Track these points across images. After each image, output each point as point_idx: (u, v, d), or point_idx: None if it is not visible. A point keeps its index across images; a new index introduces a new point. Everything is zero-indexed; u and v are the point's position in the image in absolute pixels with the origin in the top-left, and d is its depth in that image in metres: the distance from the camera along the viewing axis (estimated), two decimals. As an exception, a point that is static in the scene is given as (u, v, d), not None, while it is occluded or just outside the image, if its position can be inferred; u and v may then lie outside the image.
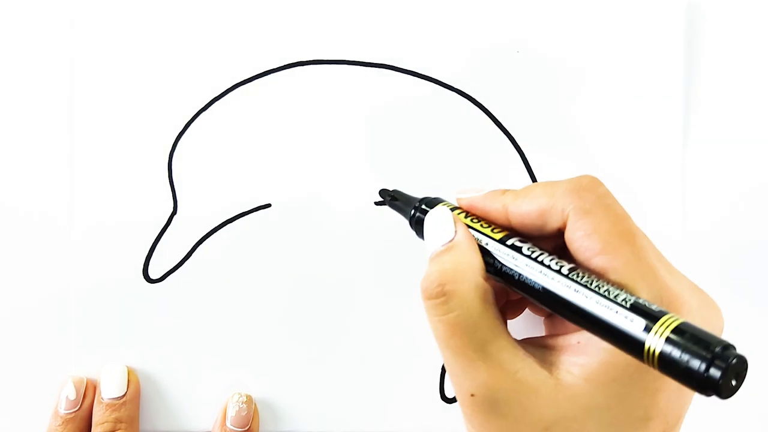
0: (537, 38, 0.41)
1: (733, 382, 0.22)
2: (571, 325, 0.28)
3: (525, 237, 0.29)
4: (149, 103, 0.41)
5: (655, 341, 0.22)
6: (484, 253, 0.29)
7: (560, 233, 0.28)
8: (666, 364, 0.22)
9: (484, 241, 0.29)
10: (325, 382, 0.42)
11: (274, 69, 0.41)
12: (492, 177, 0.42)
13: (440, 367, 0.42)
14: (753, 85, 0.42)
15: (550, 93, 0.42)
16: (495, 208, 0.29)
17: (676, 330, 0.22)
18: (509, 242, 0.28)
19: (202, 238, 0.42)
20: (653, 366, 0.23)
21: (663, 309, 0.24)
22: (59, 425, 0.40)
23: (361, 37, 0.41)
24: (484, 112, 0.42)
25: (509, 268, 0.28)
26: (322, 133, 0.42)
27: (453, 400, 0.42)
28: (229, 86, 0.41)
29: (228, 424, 0.40)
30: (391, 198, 0.36)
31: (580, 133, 0.42)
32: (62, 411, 0.40)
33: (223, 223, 0.42)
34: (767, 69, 0.42)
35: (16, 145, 0.41)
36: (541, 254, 0.27)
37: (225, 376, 0.42)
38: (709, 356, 0.21)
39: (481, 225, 0.30)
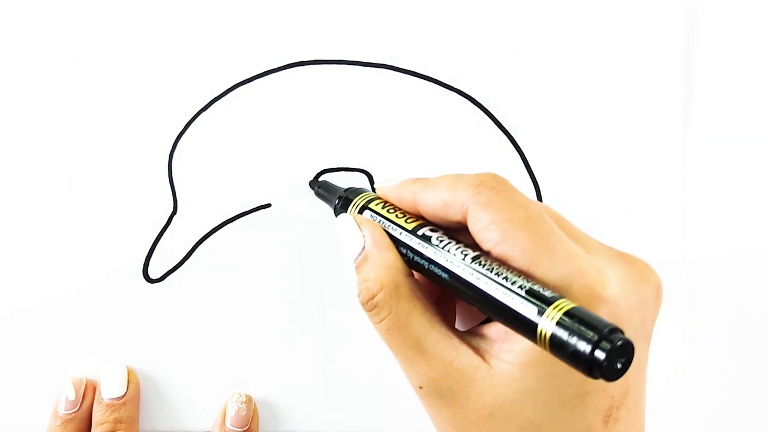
0: (537, 38, 0.42)
1: (619, 365, 0.22)
2: None
3: (438, 227, 0.30)
4: (149, 103, 0.41)
5: (547, 324, 0.23)
6: (398, 243, 0.30)
7: (464, 226, 0.29)
8: (556, 347, 0.23)
9: (397, 231, 0.30)
10: (324, 382, 0.42)
11: (274, 69, 0.41)
12: (492, 177, 0.42)
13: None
14: (753, 85, 0.42)
15: (550, 93, 0.42)
16: (406, 198, 0.31)
17: (567, 314, 0.23)
18: (420, 232, 0.29)
19: (202, 238, 0.42)
20: (546, 349, 0.24)
21: (556, 294, 0.24)
22: (59, 425, 0.40)
23: (361, 37, 0.41)
24: (484, 112, 0.42)
25: (419, 258, 0.29)
26: (322, 133, 0.42)
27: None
28: (229, 86, 0.41)
29: (227, 424, 0.40)
30: (318, 188, 0.38)
31: (580, 133, 0.42)
32: (62, 411, 0.40)
33: (223, 223, 0.42)
34: (767, 69, 0.42)
35: (16, 144, 0.41)
36: (449, 243, 0.28)
37: (224, 376, 0.42)
38: (595, 338, 0.22)
39: (396, 215, 0.31)
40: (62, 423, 0.40)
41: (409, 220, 0.30)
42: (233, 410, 0.41)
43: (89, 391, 0.41)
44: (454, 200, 0.28)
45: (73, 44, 0.41)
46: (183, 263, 0.42)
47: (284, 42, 0.41)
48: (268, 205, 0.42)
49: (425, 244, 0.29)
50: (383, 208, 0.31)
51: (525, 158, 0.42)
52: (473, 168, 0.41)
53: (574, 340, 0.22)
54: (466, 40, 0.41)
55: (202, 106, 0.41)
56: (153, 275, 0.42)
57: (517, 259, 0.26)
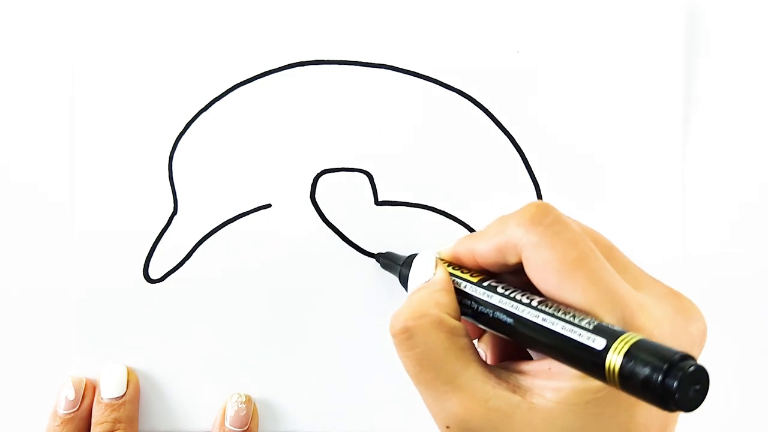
0: (537, 38, 0.42)
1: (693, 393, 0.22)
2: None
3: (500, 277, 0.30)
4: (150, 103, 0.41)
5: (615, 358, 0.23)
6: (463, 295, 0.30)
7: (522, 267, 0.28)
8: (626, 380, 0.22)
9: (463, 284, 0.30)
10: (324, 382, 0.42)
11: (274, 69, 0.41)
12: (492, 177, 0.42)
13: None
14: (753, 85, 0.42)
15: (550, 93, 0.42)
16: (464, 254, 0.30)
17: (634, 345, 0.23)
18: (485, 283, 0.29)
19: (202, 238, 0.42)
20: (615, 385, 0.23)
21: (623, 329, 0.24)
22: (58, 425, 0.40)
23: (361, 37, 0.41)
24: (484, 112, 0.42)
25: (483, 307, 0.29)
26: (322, 133, 0.42)
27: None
28: (229, 86, 0.41)
29: (227, 424, 0.40)
30: (383, 258, 0.40)
31: (579, 133, 0.42)
32: (61, 411, 0.40)
33: (223, 223, 0.42)
34: (767, 69, 0.42)
35: (16, 145, 0.41)
36: (514, 291, 0.28)
37: (224, 376, 0.41)
38: (665, 366, 0.21)
39: (461, 271, 0.31)
40: (62, 423, 0.40)
41: (473, 275, 0.30)
42: (233, 410, 0.41)
43: (89, 391, 0.41)
44: (507, 243, 0.28)
45: (74, 44, 0.41)
46: (183, 263, 0.42)
47: (284, 42, 0.41)
48: (268, 205, 0.42)
49: (489, 293, 0.28)
50: (448, 266, 0.31)
51: (525, 158, 0.42)
52: (473, 168, 0.42)
53: (643, 371, 0.22)
54: (466, 40, 0.42)
55: (202, 106, 0.41)
56: (153, 275, 0.42)
57: (578, 301, 0.26)
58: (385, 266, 0.40)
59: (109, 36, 0.41)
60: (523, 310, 0.27)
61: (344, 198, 0.42)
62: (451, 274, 0.31)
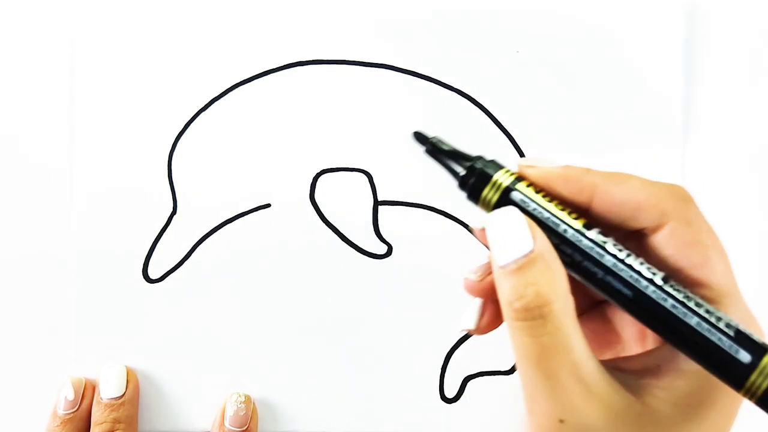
0: (537, 38, 0.42)
1: None
2: (645, 345, 0.27)
3: (603, 228, 0.25)
4: (149, 103, 0.41)
5: (761, 380, 0.22)
6: (561, 240, 0.25)
7: (640, 233, 0.26)
8: (766, 402, 0.22)
9: (562, 227, 0.25)
10: (324, 382, 0.42)
11: (274, 69, 0.41)
12: (492, 177, 0.42)
13: (440, 367, 0.42)
14: (753, 85, 0.42)
15: (550, 93, 0.42)
16: (577, 188, 0.26)
17: None
18: (591, 234, 0.25)
19: (202, 238, 0.42)
20: (751, 399, 0.22)
21: (765, 342, 0.22)
22: (58, 425, 0.40)
23: (361, 37, 0.41)
24: (484, 112, 0.42)
25: (590, 264, 0.24)
26: (322, 133, 0.42)
27: (453, 401, 0.42)
28: (229, 86, 0.41)
29: (226, 424, 0.40)
30: (432, 146, 0.28)
31: (580, 133, 0.42)
32: (61, 411, 0.40)
33: (223, 223, 0.42)
34: (767, 69, 0.42)
35: (16, 145, 0.41)
36: (629, 255, 0.24)
37: (224, 376, 0.41)
38: None
39: (556, 205, 0.25)
40: (61, 423, 0.40)
41: (572, 215, 0.25)
42: (232, 410, 0.40)
43: (88, 391, 0.41)
44: (654, 206, 0.25)
45: (73, 44, 0.41)
46: (183, 263, 0.42)
47: (284, 42, 0.41)
48: (268, 205, 0.42)
49: (601, 251, 0.24)
50: (537, 193, 0.25)
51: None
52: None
53: None
54: (466, 40, 0.42)
55: (202, 106, 0.41)
56: (153, 275, 0.42)
57: (713, 289, 0.25)
58: (436, 158, 0.28)
59: (108, 36, 0.41)
60: (646, 287, 0.24)
61: (344, 198, 0.42)
62: (544, 208, 0.25)
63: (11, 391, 0.42)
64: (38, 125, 0.41)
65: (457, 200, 0.42)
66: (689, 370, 0.25)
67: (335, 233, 0.42)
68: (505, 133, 0.42)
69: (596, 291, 0.25)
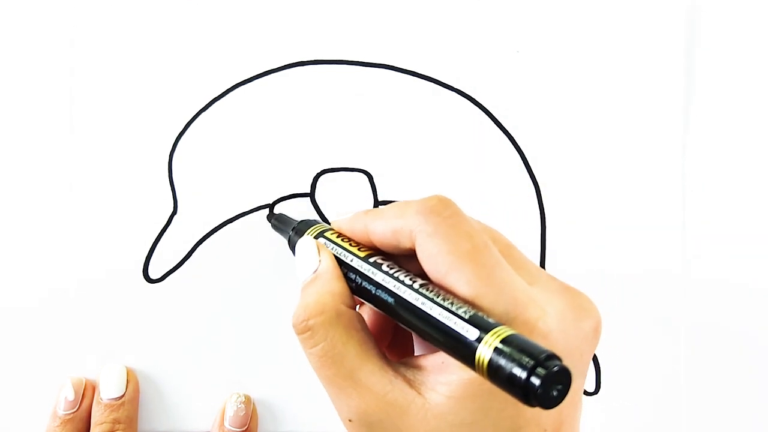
0: (537, 38, 0.42)
1: (555, 393, 0.22)
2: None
3: (390, 257, 0.30)
4: (149, 103, 0.41)
5: (485, 351, 0.23)
6: (349, 269, 0.30)
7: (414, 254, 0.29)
8: (493, 373, 0.23)
9: (349, 258, 0.30)
10: (324, 383, 0.42)
11: (273, 69, 0.41)
12: (492, 177, 0.42)
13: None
14: (753, 84, 0.42)
15: (550, 93, 0.42)
16: (359, 229, 0.31)
17: (505, 340, 0.23)
18: (371, 260, 0.30)
19: (202, 238, 0.42)
20: (484, 375, 0.24)
21: (498, 322, 0.24)
22: (58, 426, 0.40)
23: (361, 37, 0.41)
24: (484, 112, 0.42)
25: (366, 282, 0.29)
26: (322, 133, 0.42)
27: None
28: (229, 86, 0.41)
29: (226, 424, 0.40)
30: (275, 220, 0.39)
31: (580, 133, 0.42)
32: (61, 411, 0.40)
33: (223, 223, 0.42)
34: (767, 69, 0.42)
35: (16, 145, 0.41)
36: (398, 271, 0.28)
37: (224, 377, 0.41)
38: (531, 364, 0.22)
39: (350, 244, 0.31)
40: (61, 423, 0.40)
41: (361, 249, 0.30)
42: (232, 410, 0.40)
43: (88, 392, 0.41)
44: (402, 228, 0.28)
45: (74, 44, 0.41)
46: (183, 263, 0.42)
47: (284, 42, 0.41)
48: (268, 205, 0.42)
49: (374, 270, 0.29)
50: (337, 237, 0.32)
51: (525, 158, 0.42)
52: (473, 168, 0.42)
53: (510, 366, 0.22)
54: (466, 40, 0.42)
55: (202, 106, 0.41)
56: (153, 275, 0.42)
57: (463, 291, 0.26)
58: (275, 228, 0.39)
59: (108, 36, 0.41)
60: (404, 291, 0.27)
61: (344, 198, 0.42)
62: (340, 246, 0.31)
63: (11, 391, 0.42)
64: (38, 125, 0.41)
65: (456, 200, 0.42)
66: (460, 365, 0.26)
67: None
68: (505, 133, 0.42)
69: (375, 307, 0.29)
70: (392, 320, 0.30)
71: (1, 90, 0.41)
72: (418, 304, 0.27)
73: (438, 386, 0.27)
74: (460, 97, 0.42)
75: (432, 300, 0.26)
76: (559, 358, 0.22)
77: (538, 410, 0.25)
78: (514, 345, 0.23)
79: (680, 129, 0.42)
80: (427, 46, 0.41)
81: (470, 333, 0.24)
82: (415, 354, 0.32)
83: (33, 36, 0.41)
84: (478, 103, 0.42)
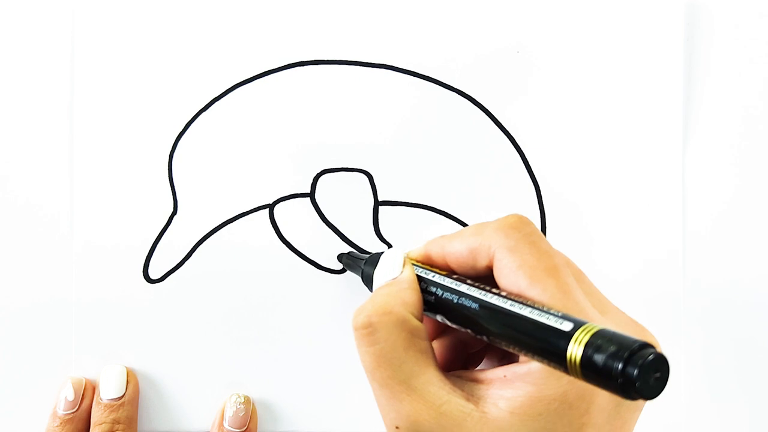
0: (537, 39, 0.41)
1: (654, 381, 0.22)
2: (499, 360, 0.30)
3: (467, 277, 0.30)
4: (150, 103, 0.41)
5: (575, 348, 0.23)
6: (430, 284, 0.30)
7: (491, 272, 0.29)
8: (586, 369, 0.23)
9: (430, 275, 0.30)
10: (324, 383, 0.42)
11: (274, 69, 0.41)
12: (492, 177, 0.42)
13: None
14: (753, 84, 0.42)
15: (550, 93, 0.42)
16: (435, 252, 0.31)
17: (595, 335, 0.23)
18: (453, 276, 0.29)
19: (202, 238, 0.42)
20: (577, 373, 0.23)
21: (585, 320, 0.24)
22: (57, 426, 0.40)
23: (361, 37, 0.41)
24: (484, 112, 0.42)
25: (449, 293, 0.29)
26: (322, 133, 0.42)
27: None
28: (229, 86, 0.41)
29: (226, 424, 0.40)
30: (347, 258, 0.40)
31: (580, 134, 0.42)
32: (61, 412, 0.40)
33: (223, 223, 0.42)
34: (767, 69, 0.42)
35: (16, 145, 0.42)
36: (482, 285, 0.28)
37: (223, 377, 0.41)
38: (625, 355, 0.21)
39: (430, 267, 0.31)
40: (61, 423, 0.40)
41: (442, 272, 0.30)
42: (231, 411, 0.40)
43: (88, 392, 0.41)
44: (481, 245, 0.28)
45: (74, 44, 0.41)
46: (183, 263, 0.42)
47: (284, 42, 0.41)
48: (268, 205, 0.42)
49: (458, 283, 0.29)
50: (416, 265, 0.32)
51: (525, 158, 0.42)
52: (473, 168, 0.42)
53: (603, 360, 0.22)
54: (467, 41, 0.42)
55: (202, 106, 0.41)
56: (153, 275, 0.42)
57: (545, 305, 0.26)
58: (348, 266, 0.40)
59: (108, 36, 0.41)
60: (491, 297, 0.27)
61: (344, 198, 0.42)
62: (420, 266, 0.31)
63: (11, 391, 0.42)
64: (38, 125, 0.41)
65: (456, 200, 0.42)
66: (529, 382, 0.26)
67: (335, 233, 0.42)
68: (505, 133, 0.42)
69: (455, 325, 0.29)
70: (448, 340, 0.30)
71: (1, 90, 0.41)
72: (506, 306, 0.26)
73: (500, 401, 0.26)
74: (460, 97, 0.42)
75: (518, 302, 0.26)
76: (653, 347, 0.22)
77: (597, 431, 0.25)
78: (606, 338, 0.22)
79: (680, 129, 0.42)
80: (427, 46, 0.41)
81: (564, 325, 0.24)
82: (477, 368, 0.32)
83: (33, 36, 0.41)
84: (478, 103, 0.42)
